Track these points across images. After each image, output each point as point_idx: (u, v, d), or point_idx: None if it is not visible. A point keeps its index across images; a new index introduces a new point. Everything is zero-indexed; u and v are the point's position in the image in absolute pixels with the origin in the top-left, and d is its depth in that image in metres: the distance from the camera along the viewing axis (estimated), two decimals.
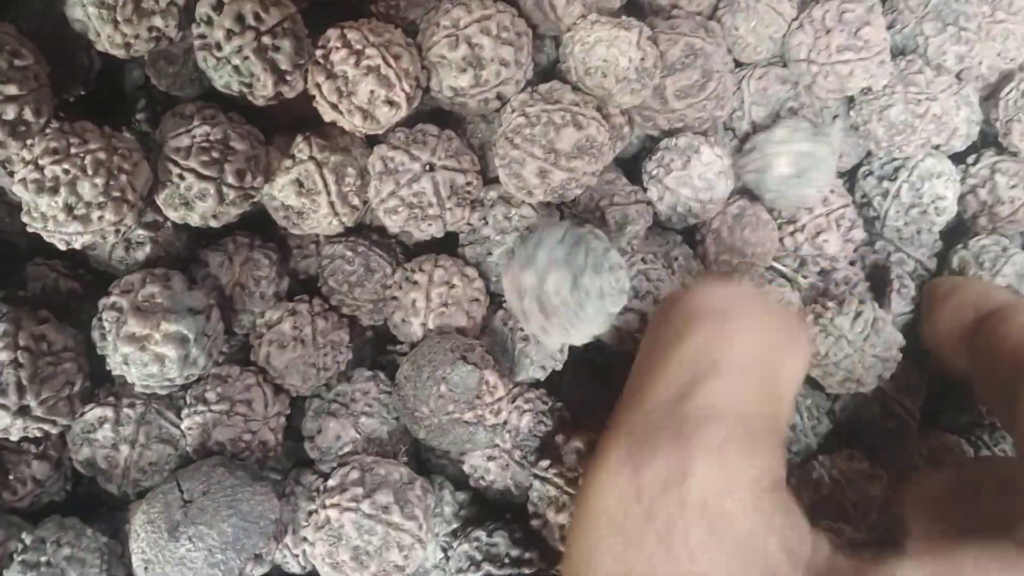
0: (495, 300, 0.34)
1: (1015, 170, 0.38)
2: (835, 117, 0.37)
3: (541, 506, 0.30)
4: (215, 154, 0.30)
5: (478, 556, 0.29)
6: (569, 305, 0.28)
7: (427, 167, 0.32)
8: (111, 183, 0.29)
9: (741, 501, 0.20)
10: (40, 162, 0.28)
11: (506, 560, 0.29)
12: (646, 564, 0.20)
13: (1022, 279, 0.38)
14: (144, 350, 0.30)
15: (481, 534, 0.30)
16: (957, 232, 0.39)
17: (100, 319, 0.31)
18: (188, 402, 0.32)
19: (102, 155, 0.29)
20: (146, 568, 0.28)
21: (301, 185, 0.32)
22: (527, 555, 0.29)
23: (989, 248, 0.38)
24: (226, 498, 0.28)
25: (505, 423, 0.32)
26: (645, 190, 0.36)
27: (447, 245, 0.34)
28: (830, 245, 0.35)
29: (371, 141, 0.33)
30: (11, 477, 0.32)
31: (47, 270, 0.33)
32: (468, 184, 0.32)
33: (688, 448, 0.21)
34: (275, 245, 0.34)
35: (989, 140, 0.39)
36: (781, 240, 0.36)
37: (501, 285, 0.33)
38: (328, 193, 0.32)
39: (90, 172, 0.29)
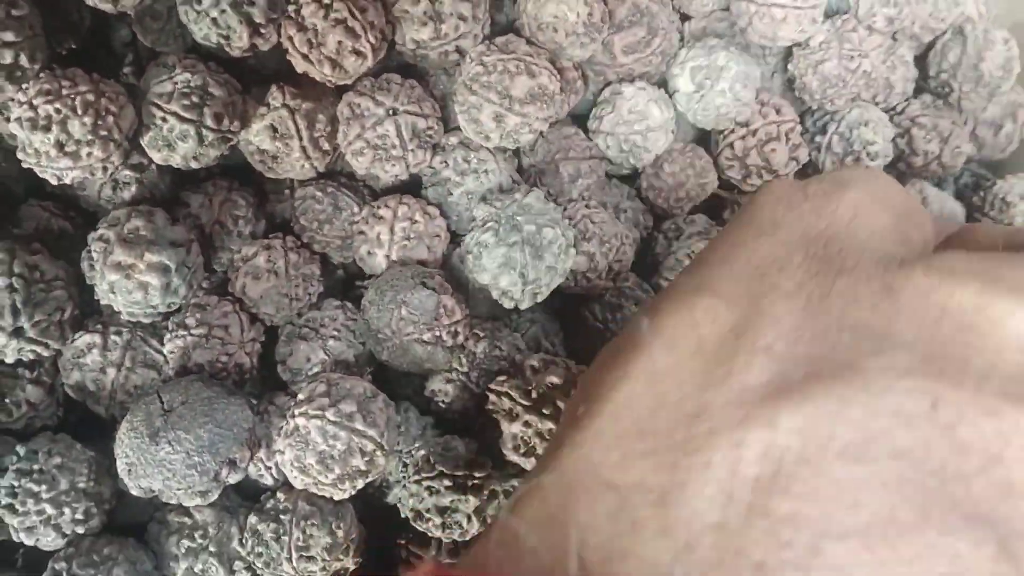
0: (455, 238, 0.36)
1: (932, 125, 0.40)
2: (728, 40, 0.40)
3: (496, 417, 0.32)
4: (195, 99, 0.33)
5: (434, 459, 0.32)
6: (527, 291, 0.32)
7: (391, 112, 0.34)
8: (99, 123, 0.32)
9: None
10: (34, 102, 0.31)
11: (460, 463, 0.32)
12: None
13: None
14: (129, 278, 0.33)
15: (439, 440, 0.33)
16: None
17: (89, 251, 0.33)
18: (170, 328, 0.34)
19: (91, 97, 0.32)
20: (130, 471, 0.31)
21: (275, 130, 0.35)
22: (481, 459, 0.32)
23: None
24: (203, 407, 0.31)
25: (463, 347, 0.34)
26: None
27: (411, 190, 0.37)
28: (777, 155, 0.38)
29: (340, 91, 0.36)
30: (6, 400, 0.35)
31: (40, 210, 0.36)
32: (429, 128, 0.35)
33: None
34: (252, 190, 0.37)
35: (927, 95, 0.42)
36: (731, 145, 0.38)
37: (460, 224, 0.36)
38: (300, 138, 0.35)
39: (79, 112, 0.31)
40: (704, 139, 0.41)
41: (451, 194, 0.36)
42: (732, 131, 0.38)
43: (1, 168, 0.36)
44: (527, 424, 0.32)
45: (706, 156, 0.39)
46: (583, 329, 0.38)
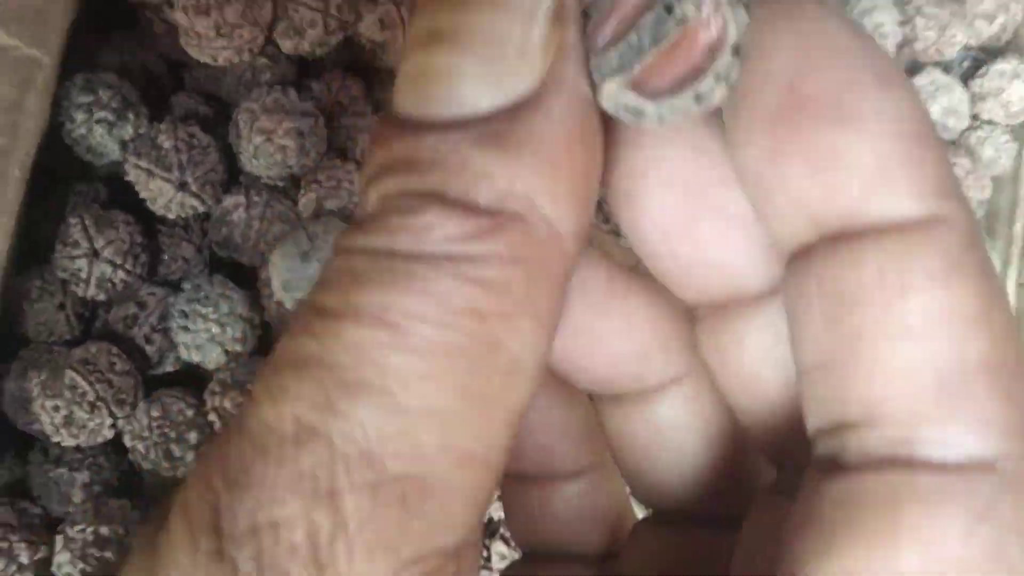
0: None
1: (933, 14, 0.47)
2: None
3: None
4: None
5: None
6: None
7: None
8: (247, 9, 0.39)
9: None
10: None
11: None
12: None
13: (948, 114, 0.47)
14: (271, 141, 0.39)
15: None
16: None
17: (236, 122, 0.40)
18: (302, 186, 0.41)
19: None
20: (285, 287, 0.37)
21: (383, 22, 0.42)
22: None
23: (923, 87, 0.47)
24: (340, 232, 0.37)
25: None
26: None
27: None
28: None
29: None
30: (166, 256, 0.41)
31: (187, 99, 0.43)
32: None
33: None
34: (361, 79, 0.44)
35: None
36: None
37: None
38: (404, 28, 0.42)
39: (233, 1, 0.38)
40: None
41: None
42: None
43: (153, 64, 0.43)
44: None
45: None
46: None
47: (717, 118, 0.14)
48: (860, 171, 0.11)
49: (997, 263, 0.47)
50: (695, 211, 0.14)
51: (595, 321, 0.16)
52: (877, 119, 0.11)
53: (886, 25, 0.46)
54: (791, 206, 0.12)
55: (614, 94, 0.13)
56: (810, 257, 0.12)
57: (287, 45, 0.41)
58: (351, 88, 0.43)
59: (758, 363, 0.14)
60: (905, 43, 0.48)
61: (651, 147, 0.14)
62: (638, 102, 0.13)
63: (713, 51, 0.13)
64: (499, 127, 0.12)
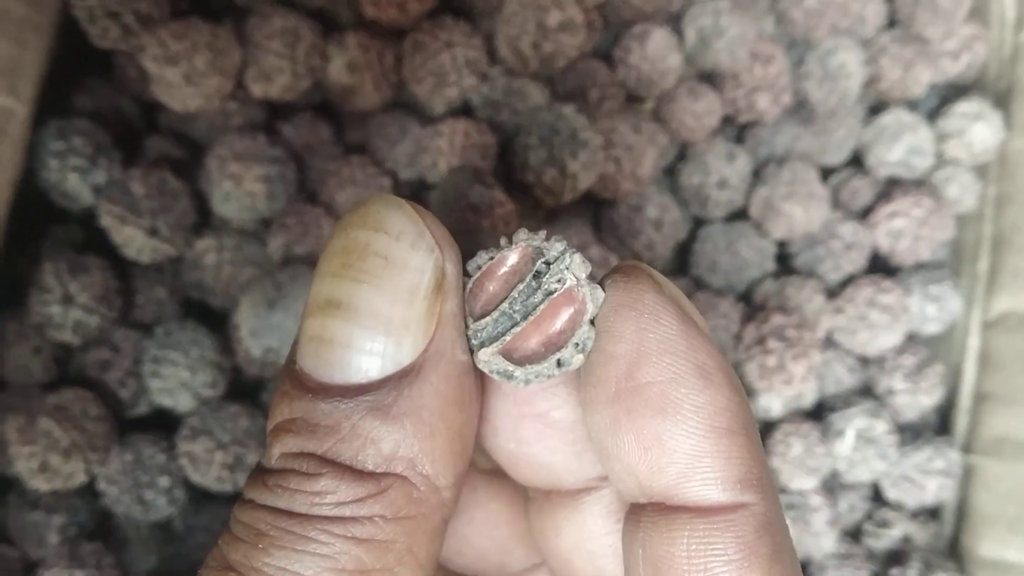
0: (503, 152, 0.44)
1: (897, 54, 0.47)
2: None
3: None
4: (290, 39, 0.41)
5: None
6: (566, 187, 0.40)
7: (447, 44, 0.42)
8: (215, 58, 0.39)
9: None
10: (166, 42, 0.39)
11: None
12: None
13: (913, 153, 0.48)
14: (240, 187, 0.40)
15: None
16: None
17: (207, 167, 0.41)
18: (272, 229, 0.42)
19: (209, 38, 0.39)
20: (252, 334, 0.38)
21: (352, 66, 0.42)
22: None
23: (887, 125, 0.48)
24: (308, 280, 0.38)
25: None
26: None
27: (465, 112, 0.44)
28: (760, 104, 0.45)
29: (403, 33, 0.43)
30: (140, 298, 0.42)
31: (159, 141, 0.43)
32: (478, 59, 0.43)
33: None
34: (332, 121, 0.45)
35: (897, 28, 0.49)
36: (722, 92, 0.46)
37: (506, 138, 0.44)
38: (372, 72, 0.42)
39: (201, 50, 0.39)
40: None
41: (499, 114, 0.43)
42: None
43: (128, 111, 0.44)
44: None
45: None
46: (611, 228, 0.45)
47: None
48: (678, 458, 0.13)
49: (962, 302, 0.47)
50: (520, 414, 0.16)
51: (461, 526, 0.18)
52: (695, 414, 0.13)
53: (850, 65, 0.46)
54: (625, 472, 0.14)
55: (488, 360, 0.16)
56: (639, 519, 0.14)
57: (256, 90, 0.41)
58: (321, 131, 0.44)
59: (571, 552, 0.17)
60: (870, 82, 0.48)
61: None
62: (507, 367, 0.15)
63: (573, 322, 0.15)
64: (385, 397, 0.14)
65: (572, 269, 0.16)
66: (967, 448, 0.47)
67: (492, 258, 0.16)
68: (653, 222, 0.45)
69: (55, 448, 0.37)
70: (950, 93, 0.51)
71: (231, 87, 0.40)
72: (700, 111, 0.46)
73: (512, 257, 0.16)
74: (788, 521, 0.44)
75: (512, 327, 0.15)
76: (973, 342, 0.47)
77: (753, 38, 0.45)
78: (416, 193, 0.46)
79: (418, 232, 0.14)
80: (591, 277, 0.16)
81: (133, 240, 0.40)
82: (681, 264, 0.48)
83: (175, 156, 0.43)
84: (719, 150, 0.46)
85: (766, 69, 0.46)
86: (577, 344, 0.15)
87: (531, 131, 0.41)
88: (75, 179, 0.40)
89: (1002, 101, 0.49)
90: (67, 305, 0.39)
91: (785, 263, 0.48)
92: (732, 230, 0.47)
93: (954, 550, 0.47)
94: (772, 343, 0.43)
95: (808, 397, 0.46)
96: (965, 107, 0.47)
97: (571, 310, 0.15)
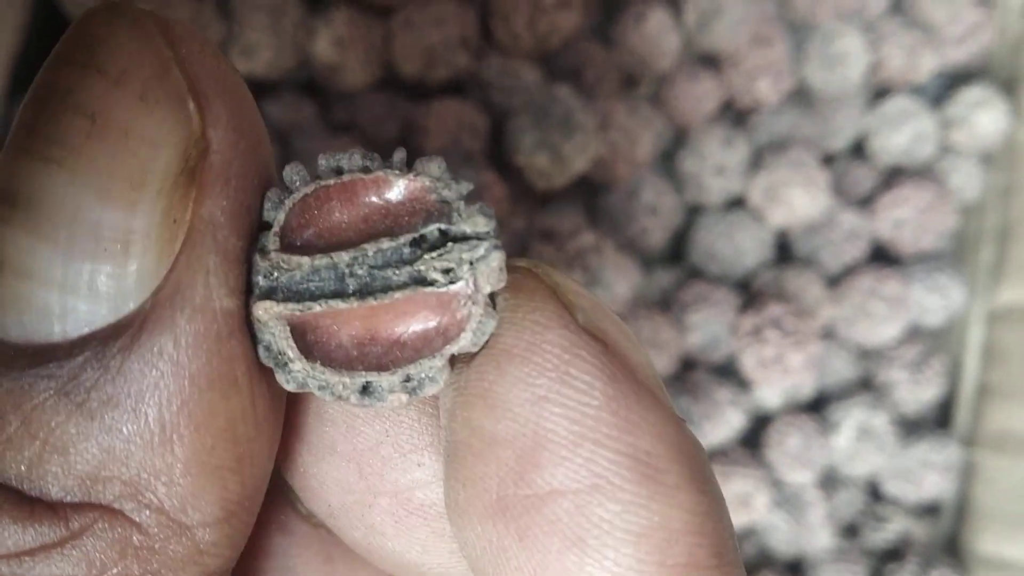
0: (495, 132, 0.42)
1: (899, 39, 0.46)
2: None
3: None
4: (274, 14, 0.39)
5: None
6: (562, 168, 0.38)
7: (438, 22, 0.41)
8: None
9: None
10: None
11: None
12: None
13: (916, 141, 0.46)
14: None
15: None
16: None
17: None
18: None
19: (190, 12, 0.38)
20: None
21: (339, 43, 0.41)
22: None
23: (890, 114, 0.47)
24: None
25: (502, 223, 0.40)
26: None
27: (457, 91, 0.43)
28: (760, 89, 0.44)
29: (390, 10, 0.42)
30: None
31: None
32: (468, 39, 0.41)
33: None
34: (317, 99, 0.43)
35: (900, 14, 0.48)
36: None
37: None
38: (358, 49, 0.41)
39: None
40: None
41: (491, 95, 0.42)
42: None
43: None
44: None
45: None
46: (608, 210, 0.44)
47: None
48: None
49: (965, 293, 0.46)
50: (368, 489, 0.11)
51: None
52: (634, 546, 0.09)
53: (852, 49, 0.45)
54: None
55: (266, 322, 0.10)
56: None
57: (239, 66, 0.40)
58: (305, 110, 0.42)
59: None
60: (873, 68, 0.47)
61: (340, 420, 0.11)
62: (288, 350, 0.10)
63: (425, 344, 0.10)
64: (84, 370, 0.08)
65: (478, 271, 0.10)
66: (968, 443, 0.46)
67: (366, 170, 0.11)
68: (649, 208, 0.44)
69: None
70: (955, 80, 0.50)
71: None
72: (698, 94, 0.45)
73: (397, 190, 0.11)
74: (783, 516, 0.43)
75: (334, 296, 0.10)
76: (975, 334, 0.46)
77: (754, 20, 0.44)
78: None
79: (157, 70, 0.08)
80: (492, 296, 0.10)
81: None
82: (677, 252, 0.47)
83: None
84: (717, 135, 0.45)
85: (766, 52, 0.44)
86: (409, 379, 0.10)
87: (524, 113, 0.40)
88: None
89: (1008, 88, 0.48)
90: None
91: (784, 251, 0.47)
92: (730, 217, 0.45)
93: (953, 546, 0.46)
94: (770, 333, 0.42)
95: (806, 388, 0.45)
96: (970, 94, 0.46)
97: (433, 324, 0.10)
